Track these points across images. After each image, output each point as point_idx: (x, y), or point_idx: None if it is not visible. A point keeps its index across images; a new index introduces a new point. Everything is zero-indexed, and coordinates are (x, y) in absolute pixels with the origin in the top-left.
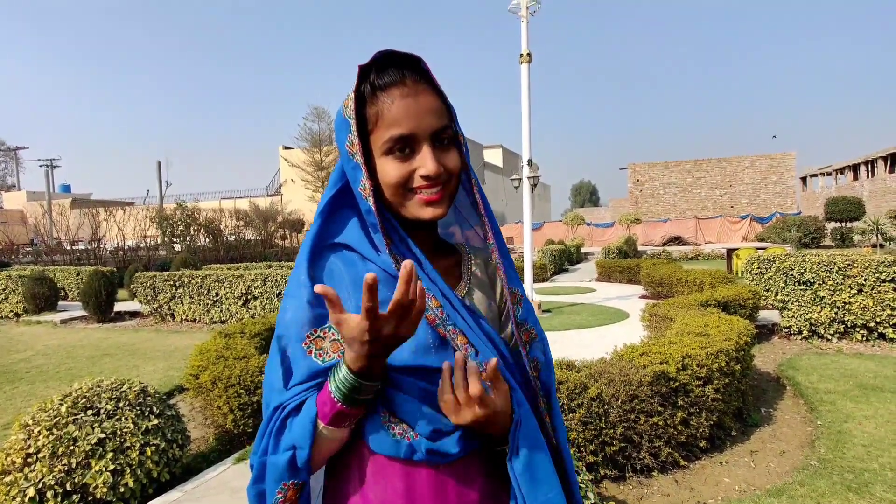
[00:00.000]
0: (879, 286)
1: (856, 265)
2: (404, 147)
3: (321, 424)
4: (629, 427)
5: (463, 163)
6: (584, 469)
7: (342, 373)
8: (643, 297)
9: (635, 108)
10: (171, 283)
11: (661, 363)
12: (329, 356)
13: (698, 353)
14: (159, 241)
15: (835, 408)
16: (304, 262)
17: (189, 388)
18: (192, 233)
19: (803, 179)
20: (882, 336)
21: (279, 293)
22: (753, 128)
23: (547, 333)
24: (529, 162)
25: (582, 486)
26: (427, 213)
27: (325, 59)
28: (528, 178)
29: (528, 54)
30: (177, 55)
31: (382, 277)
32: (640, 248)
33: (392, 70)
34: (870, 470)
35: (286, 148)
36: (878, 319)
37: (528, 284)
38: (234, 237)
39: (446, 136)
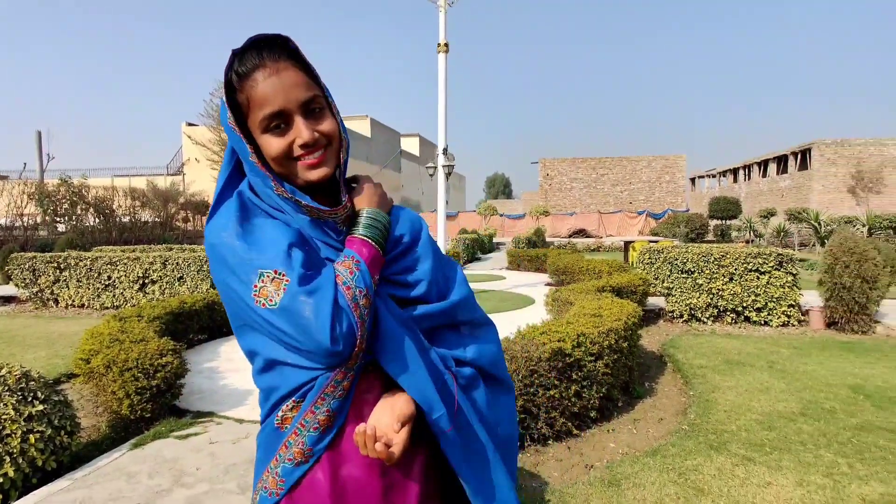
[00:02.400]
0: (746, 275)
1: (728, 256)
2: (279, 123)
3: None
4: (528, 400)
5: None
6: None
7: (370, 211)
8: (548, 284)
9: (548, 104)
10: (55, 265)
11: (558, 341)
12: (273, 301)
13: (591, 332)
14: (39, 221)
15: (705, 380)
16: (234, 219)
17: (79, 374)
18: (79, 212)
19: (693, 180)
20: (747, 319)
21: (181, 277)
22: (649, 130)
23: None
24: (445, 150)
25: None
26: (314, 175)
27: (234, 33)
28: (444, 166)
29: (446, 44)
30: (64, 12)
31: (294, 235)
32: (548, 239)
33: (251, 55)
34: (728, 431)
35: (190, 124)
36: (744, 304)
37: None
38: (129, 218)
39: (317, 105)
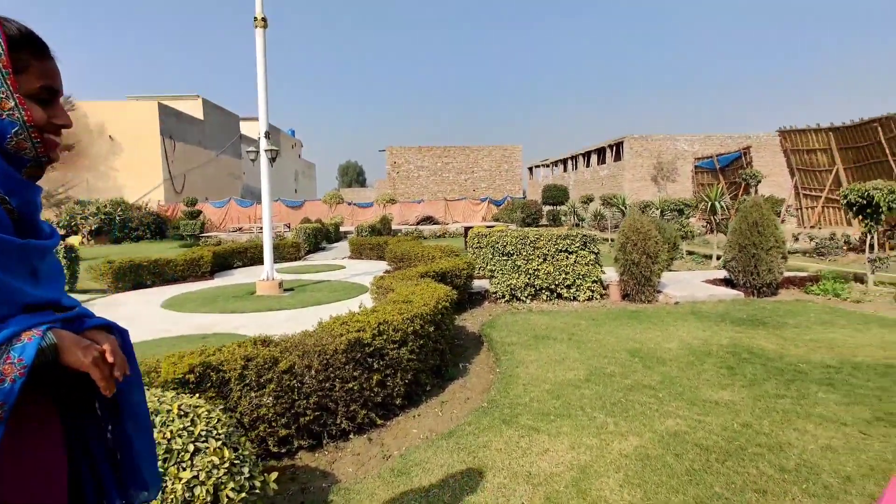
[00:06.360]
0: (558, 255)
1: (542, 239)
2: (48, 98)
3: None
4: (324, 395)
5: None
6: (275, 443)
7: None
8: (387, 271)
9: (397, 93)
10: None
11: (358, 331)
12: None
13: (395, 319)
14: None
15: (513, 356)
16: None
17: None
18: None
19: (531, 169)
20: (559, 296)
21: None
22: (489, 120)
23: (283, 312)
24: (267, 134)
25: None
26: (57, 156)
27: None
28: (266, 150)
29: (263, 19)
30: None
31: None
32: (396, 227)
33: (37, 36)
34: (522, 403)
35: None
36: (556, 282)
37: (268, 264)
38: None
39: None
